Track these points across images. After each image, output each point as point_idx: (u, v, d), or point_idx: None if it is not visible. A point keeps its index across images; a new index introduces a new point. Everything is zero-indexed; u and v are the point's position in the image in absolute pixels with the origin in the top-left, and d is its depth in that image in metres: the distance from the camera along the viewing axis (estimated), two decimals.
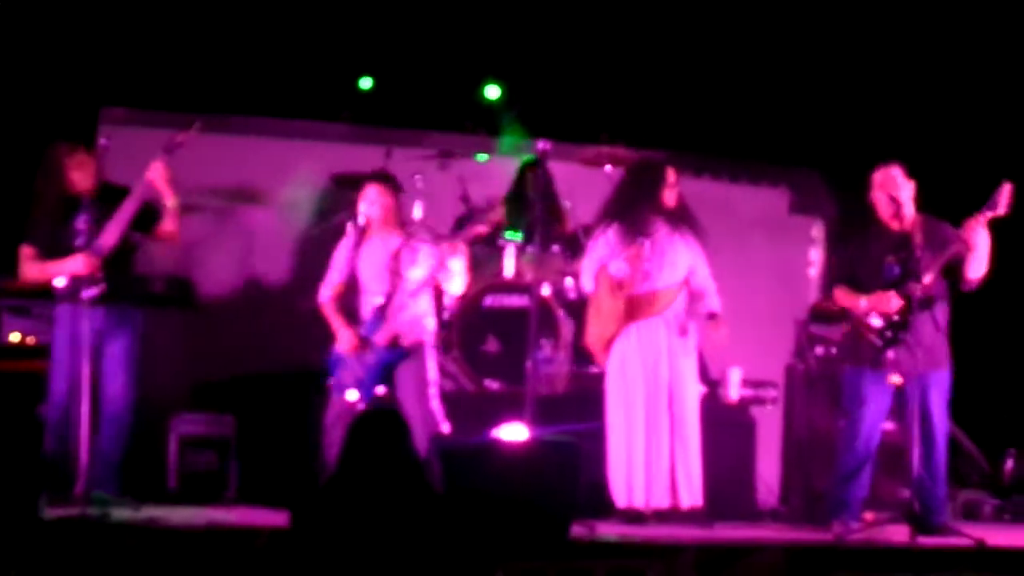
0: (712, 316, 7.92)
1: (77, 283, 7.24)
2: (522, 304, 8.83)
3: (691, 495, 7.72)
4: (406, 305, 7.73)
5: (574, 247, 9.21)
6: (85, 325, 7.09)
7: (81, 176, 7.45)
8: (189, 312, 9.32)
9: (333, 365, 7.78)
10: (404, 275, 7.81)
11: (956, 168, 9.34)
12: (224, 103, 9.75)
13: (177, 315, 9.35)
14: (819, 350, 8.74)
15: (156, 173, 7.37)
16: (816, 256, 10.67)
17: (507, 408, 7.76)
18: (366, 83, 10.20)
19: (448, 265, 7.75)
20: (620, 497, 7.74)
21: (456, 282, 7.90)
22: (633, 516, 7.68)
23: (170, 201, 7.53)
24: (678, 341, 7.81)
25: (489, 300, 8.99)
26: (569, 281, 9.14)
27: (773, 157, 10.41)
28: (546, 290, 9.00)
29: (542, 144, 7.62)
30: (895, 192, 7.47)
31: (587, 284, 7.98)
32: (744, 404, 8.74)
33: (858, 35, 10.07)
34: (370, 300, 7.88)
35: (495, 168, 9.67)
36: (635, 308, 7.78)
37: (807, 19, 10.04)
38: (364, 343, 7.75)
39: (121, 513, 6.89)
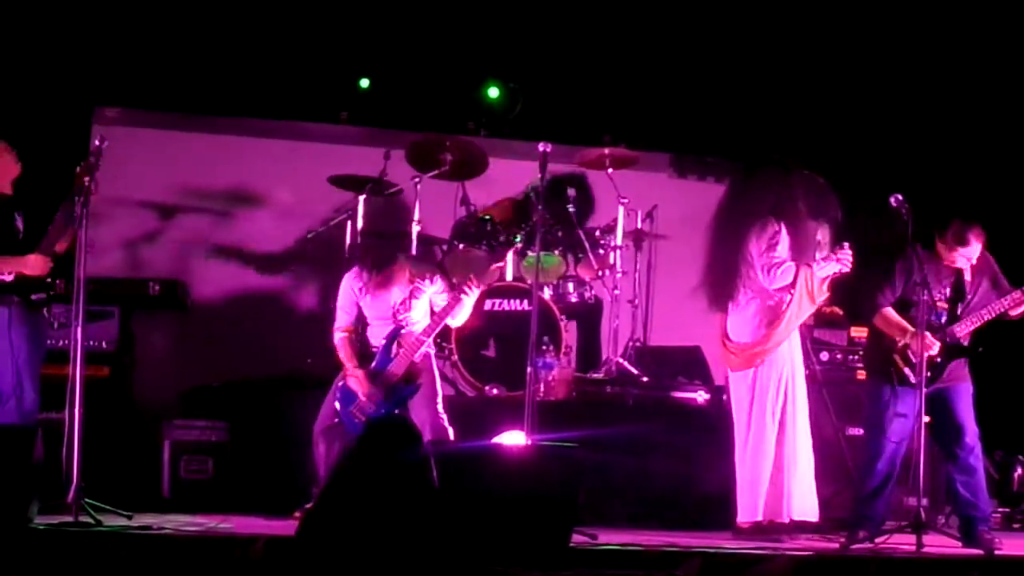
0: None
1: (24, 283, 7.18)
2: (523, 308, 8.74)
3: (814, 508, 7.48)
4: (417, 341, 7.63)
5: (576, 250, 9.13)
6: (79, 339, 6.97)
7: (10, 172, 7.37)
8: (182, 315, 9.24)
9: (343, 395, 7.63)
10: (411, 315, 7.72)
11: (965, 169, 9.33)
12: (219, 104, 9.68)
13: (170, 318, 9.28)
14: (824, 355, 8.64)
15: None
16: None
17: (507, 414, 7.66)
18: (364, 84, 10.13)
19: (463, 302, 7.64)
20: (750, 509, 7.37)
21: (463, 315, 7.79)
22: (765, 529, 7.36)
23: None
24: (801, 353, 7.63)
25: (489, 304, 8.88)
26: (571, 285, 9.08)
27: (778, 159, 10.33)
28: (547, 294, 8.92)
29: (543, 146, 7.51)
30: (967, 253, 7.34)
31: (784, 281, 7.36)
32: None
33: (863, 36, 10.03)
34: (378, 329, 7.76)
35: (496, 170, 9.57)
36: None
37: (812, 20, 9.99)
38: (375, 376, 7.62)
39: (114, 521, 6.78)
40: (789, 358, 7.45)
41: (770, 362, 7.41)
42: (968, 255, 7.36)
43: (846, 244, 7.44)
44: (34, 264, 7.21)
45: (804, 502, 7.36)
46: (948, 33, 9.85)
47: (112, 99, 9.47)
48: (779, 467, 7.34)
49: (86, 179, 6.97)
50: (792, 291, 7.40)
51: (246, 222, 9.80)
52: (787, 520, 7.35)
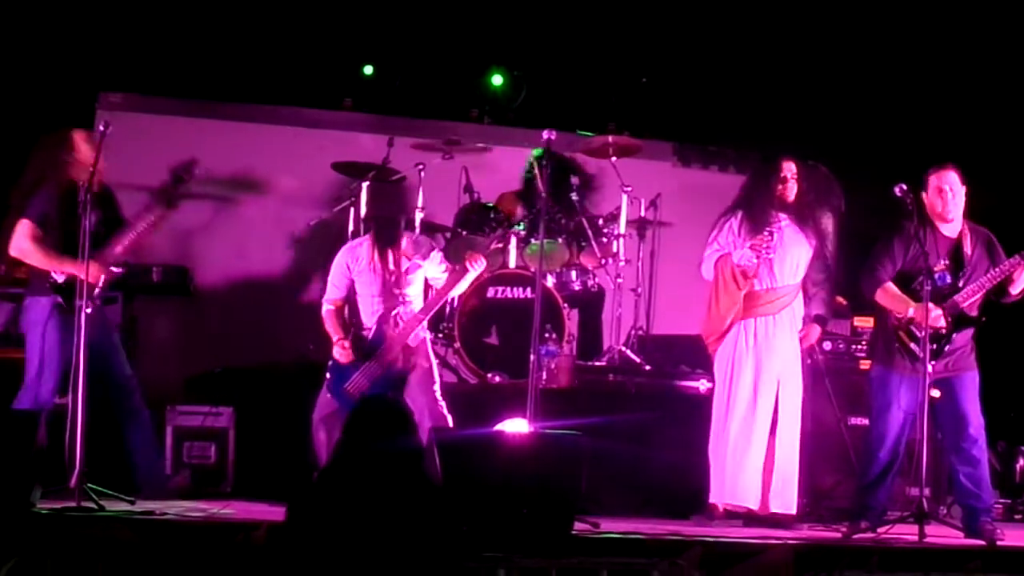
0: (817, 319, 7.81)
1: (73, 287, 6.99)
2: (526, 296, 8.74)
3: (784, 501, 7.58)
4: (415, 319, 7.61)
5: (580, 238, 9.12)
6: (82, 327, 6.90)
7: (87, 168, 7.17)
8: (186, 301, 9.23)
9: (333, 374, 7.62)
10: (406, 292, 7.69)
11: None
12: (223, 90, 9.68)
13: (174, 304, 9.27)
14: (827, 345, 8.62)
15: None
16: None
17: (509, 402, 7.66)
18: (368, 71, 10.13)
19: (465, 276, 7.62)
20: (714, 494, 7.63)
21: (461, 287, 7.78)
22: (724, 515, 7.57)
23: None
24: (791, 344, 7.65)
25: (492, 292, 8.87)
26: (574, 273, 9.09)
27: (781, 148, 10.33)
28: (550, 282, 8.91)
29: (547, 134, 7.50)
30: (950, 195, 7.32)
31: (707, 272, 7.70)
32: None
33: (863, 26, 10.02)
34: (370, 305, 7.74)
35: (499, 157, 9.55)
36: (753, 304, 7.60)
37: (814, 10, 9.98)
38: (368, 354, 7.60)
39: (116, 506, 6.78)
40: (742, 346, 7.58)
41: (720, 351, 7.65)
42: (951, 186, 7.30)
43: (767, 232, 7.50)
44: (92, 272, 6.98)
45: (748, 490, 7.52)
46: (950, 20, 9.84)
47: (116, 84, 9.45)
48: (735, 454, 7.53)
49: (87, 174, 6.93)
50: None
51: (250, 208, 9.79)
52: (721, 507, 7.57)
